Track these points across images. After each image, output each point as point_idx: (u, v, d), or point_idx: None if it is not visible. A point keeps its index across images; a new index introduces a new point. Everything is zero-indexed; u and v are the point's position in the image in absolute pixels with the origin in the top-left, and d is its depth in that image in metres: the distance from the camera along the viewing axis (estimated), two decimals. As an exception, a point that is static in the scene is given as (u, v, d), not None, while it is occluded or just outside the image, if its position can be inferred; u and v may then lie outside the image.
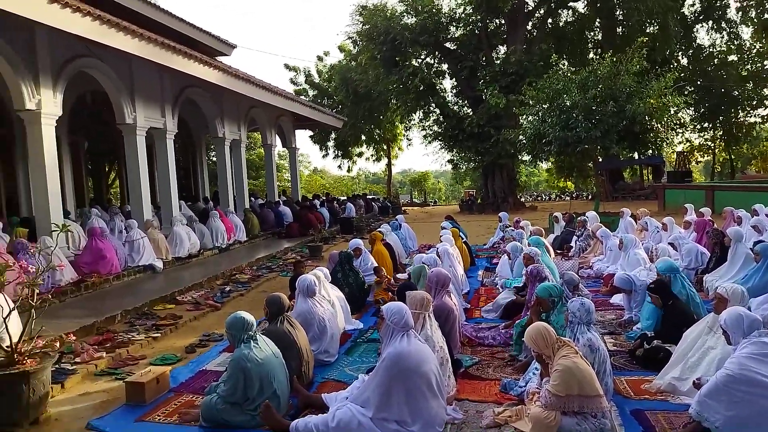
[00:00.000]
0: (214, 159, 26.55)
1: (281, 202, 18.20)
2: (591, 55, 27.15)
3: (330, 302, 5.82)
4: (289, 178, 23.67)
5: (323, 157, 37.93)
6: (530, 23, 26.78)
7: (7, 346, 4.14)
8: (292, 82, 36.28)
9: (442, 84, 27.89)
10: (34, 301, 4.22)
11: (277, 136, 20.18)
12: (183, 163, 20.29)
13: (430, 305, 4.33)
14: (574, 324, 4.14)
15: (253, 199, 19.28)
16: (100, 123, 15.36)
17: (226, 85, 12.73)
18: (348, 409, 3.68)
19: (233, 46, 19.04)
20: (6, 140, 12.04)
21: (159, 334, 6.43)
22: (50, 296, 4.62)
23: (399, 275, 8.50)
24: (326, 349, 5.12)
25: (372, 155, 39.02)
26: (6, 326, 4.22)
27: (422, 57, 26.77)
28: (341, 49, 34.26)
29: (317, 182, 49.98)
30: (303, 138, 73.87)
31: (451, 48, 26.67)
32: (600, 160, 20.34)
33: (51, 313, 6.03)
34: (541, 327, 3.74)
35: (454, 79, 27.41)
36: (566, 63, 25.99)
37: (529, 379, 4.16)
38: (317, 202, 19.49)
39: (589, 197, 34.14)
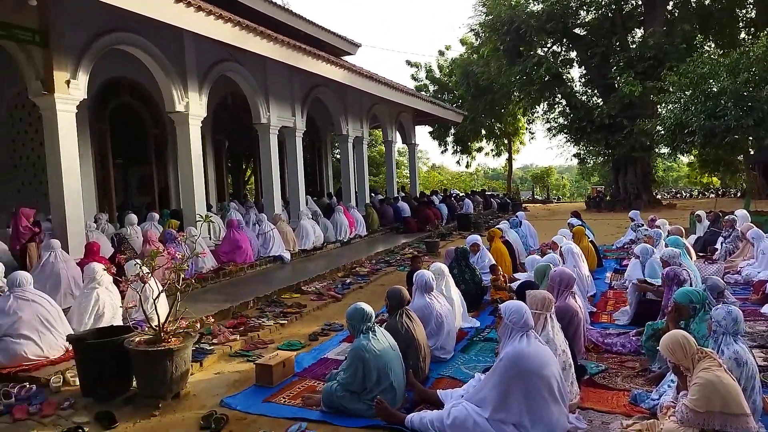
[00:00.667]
0: (338, 156, 27.71)
1: (400, 198, 18.47)
2: (742, 35, 24.21)
3: (449, 298, 5.79)
4: (408, 174, 23.97)
5: (442, 152, 37.74)
6: (671, 3, 24.52)
7: (155, 326, 4.63)
8: (413, 78, 36.56)
9: (569, 73, 26.53)
10: (180, 285, 4.66)
11: (397, 132, 20.49)
12: (309, 160, 21.34)
13: (551, 306, 4.13)
14: (718, 334, 3.72)
15: (373, 194, 19.78)
16: (239, 124, 16.61)
17: (351, 83, 13.17)
18: (464, 407, 3.62)
19: (358, 45, 19.62)
20: (159, 140, 13.47)
21: (286, 321, 6.82)
22: (193, 281, 5.07)
23: (518, 275, 8.22)
24: (442, 346, 5.10)
25: (492, 150, 38.18)
26: (156, 307, 4.71)
27: (548, 45, 25.64)
28: (463, 42, 33.87)
29: (435, 178, 49.97)
30: (422, 134, 74.33)
31: (581, 34, 25.24)
32: (752, 152, 18.12)
33: (193, 296, 6.67)
34: (680, 335, 3.40)
35: (582, 68, 25.93)
36: (712, 45, 23.47)
37: (664, 392, 3.81)
38: (435, 198, 19.49)
39: (739, 195, 30.60)
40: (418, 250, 12.66)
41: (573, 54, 25.98)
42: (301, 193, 13.71)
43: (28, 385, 4.62)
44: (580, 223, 10.77)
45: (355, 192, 17.02)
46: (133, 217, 9.83)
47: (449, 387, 4.31)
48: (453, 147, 36.86)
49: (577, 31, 25.21)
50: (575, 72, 27.02)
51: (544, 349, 3.64)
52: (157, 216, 10.88)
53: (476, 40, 30.20)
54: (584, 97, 26.10)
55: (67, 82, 7.88)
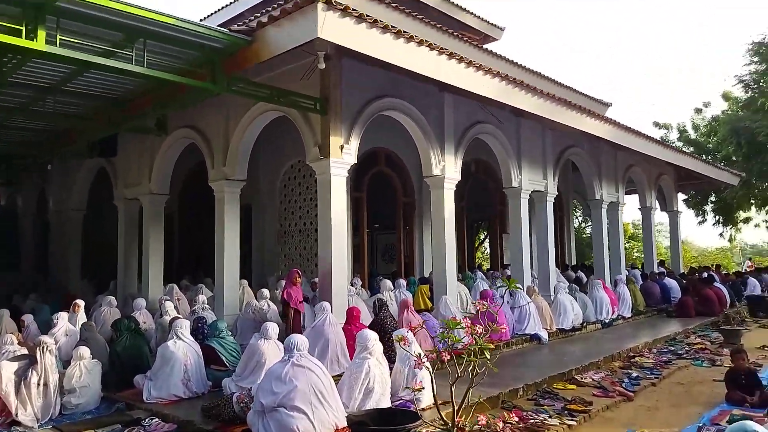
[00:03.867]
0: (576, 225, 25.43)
1: (665, 274, 15.72)
2: None
3: None
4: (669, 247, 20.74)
5: (699, 223, 32.46)
6: None
7: (445, 416, 3.76)
8: (663, 140, 32.76)
9: None
10: (476, 367, 3.77)
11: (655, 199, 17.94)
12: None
13: None
14: None
15: (628, 269, 17.25)
16: (479, 190, 16.15)
17: (616, 139, 11.78)
18: None
19: (608, 105, 18.05)
20: (408, 208, 13.53)
21: (574, 422, 5.46)
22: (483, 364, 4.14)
23: None
24: None
25: (766, 221, 31.55)
26: (433, 389, 3.86)
27: None
28: (726, 97, 29.46)
29: (686, 254, 43.14)
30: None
31: None
32: None
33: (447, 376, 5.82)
34: None
35: None
36: None
37: None
38: (714, 276, 16.13)
39: None
40: (709, 339, 10.14)
41: None
42: (551, 264, 12.36)
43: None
44: None
45: (609, 265, 14.91)
46: (388, 283, 9.61)
47: None
48: (715, 217, 31.48)
49: None
50: None
51: None
52: (404, 283, 10.59)
53: (746, 92, 25.89)
54: None
55: (341, 147, 8.07)
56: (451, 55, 7.47)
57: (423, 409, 5.28)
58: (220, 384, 6.21)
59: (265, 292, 8.85)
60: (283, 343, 5.17)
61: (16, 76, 7.43)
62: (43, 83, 8.01)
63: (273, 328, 6.11)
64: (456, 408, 3.75)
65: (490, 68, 8.05)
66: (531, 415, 5.58)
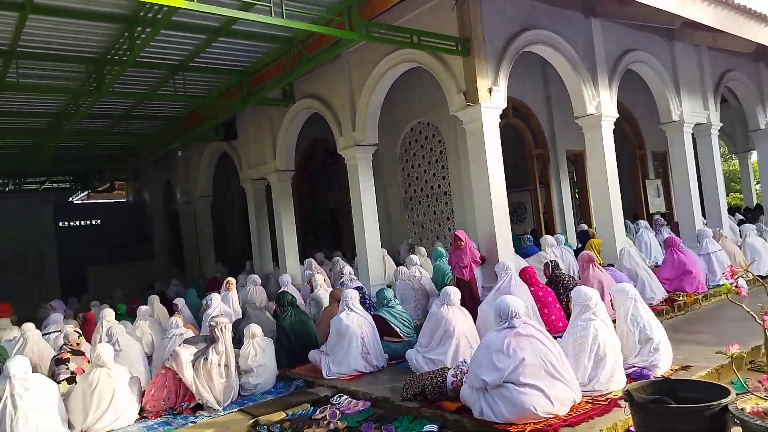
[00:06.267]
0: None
1: None
2: None
3: None
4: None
5: None
6: None
7: None
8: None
9: None
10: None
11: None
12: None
13: None
14: None
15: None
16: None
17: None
18: None
19: None
20: (541, 160, 12.31)
21: None
22: None
23: None
24: None
25: None
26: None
27: None
28: None
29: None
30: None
31: None
32: None
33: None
34: None
35: None
36: None
37: None
38: None
39: None
40: None
41: None
42: (722, 207, 10.73)
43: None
44: None
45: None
46: (551, 239, 8.64)
47: None
48: None
49: None
50: None
51: None
52: (563, 239, 9.57)
53: None
54: None
55: (489, 90, 7.14)
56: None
57: (662, 376, 4.42)
58: (397, 356, 5.68)
59: (415, 258, 8.19)
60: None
61: (147, 54, 7.16)
62: (172, 60, 7.74)
63: (455, 293, 5.37)
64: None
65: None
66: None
